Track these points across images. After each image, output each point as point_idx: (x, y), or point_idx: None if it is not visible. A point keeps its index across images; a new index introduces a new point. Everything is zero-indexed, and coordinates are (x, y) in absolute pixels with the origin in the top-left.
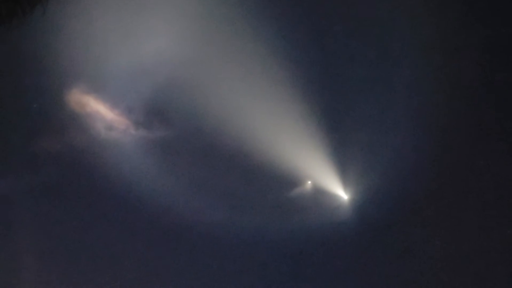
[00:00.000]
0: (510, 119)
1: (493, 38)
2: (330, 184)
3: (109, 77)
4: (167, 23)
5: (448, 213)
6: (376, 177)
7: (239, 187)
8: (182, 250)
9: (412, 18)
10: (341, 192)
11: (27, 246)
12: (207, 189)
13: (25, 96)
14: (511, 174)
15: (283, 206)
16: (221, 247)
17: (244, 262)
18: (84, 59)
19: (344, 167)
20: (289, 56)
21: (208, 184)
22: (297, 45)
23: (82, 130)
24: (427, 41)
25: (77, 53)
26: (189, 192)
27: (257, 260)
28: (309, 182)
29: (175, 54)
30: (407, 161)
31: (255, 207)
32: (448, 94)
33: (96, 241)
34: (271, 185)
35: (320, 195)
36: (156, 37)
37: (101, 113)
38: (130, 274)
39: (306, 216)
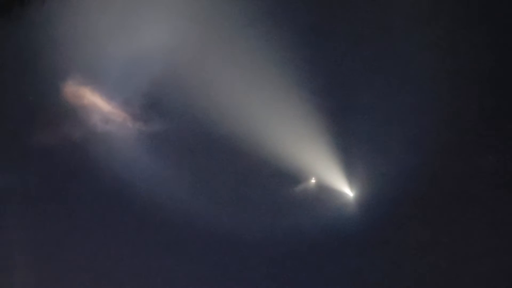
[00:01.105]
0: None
1: (495, 36)
2: (336, 181)
3: (105, 68)
4: (164, 14)
5: (452, 210)
6: (382, 175)
7: (241, 183)
8: (179, 247)
9: (418, 15)
10: (346, 190)
11: (20, 242)
12: (207, 185)
13: (20, 88)
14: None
15: (287, 203)
16: (221, 245)
17: (247, 259)
18: (81, 50)
19: (349, 164)
20: (292, 53)
21: (208, 180)
22: (301, 41)
23: (78, 123)
24: (432, 40)
25: (73, 44)
26: (188, 187)
27: (260, 257)
28: (314, 179)
29: (173, 45)
30: (414, 159)
31: (257, 203)
32: (453, 93)
33: (91, 237)
34: (274, 182)
35: (325, 192)
36: (153, 28)
37: (97, 105)
38: (127, 270)
39: (311, 213)
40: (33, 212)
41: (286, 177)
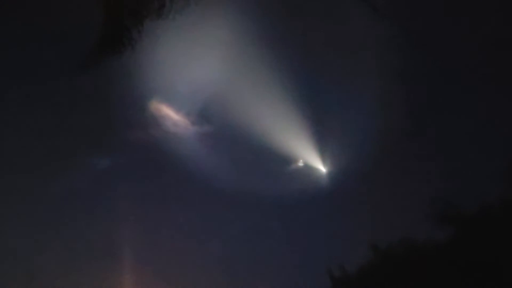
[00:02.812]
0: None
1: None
2: (314, 162)
3: (175, 92)
4: (212, 52)
5: (391, 180)
6: (346, 157)
7: (260, 164)
8: (227, 207)
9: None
10: (321, 167)
11: (122, 211)
12: (236, 163)
13: (124, 104)
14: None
15: (286, 176)
16: (252, 202)
17: (266, 210)
18: (161, 80)
19: (324, 150)
20: (291, 70)
21: (237, 160)
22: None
23: (158, 126)
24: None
25: (156, 75)
26: (228, 168)
27: (273, 208)
28: (301, 161)
29: (218, 77)
30: (366, 147)
31: (270, 177)
32: (407, 89)
33: (165, 201)
34: (279, 164)
35: (308, 169)
36: (206, 63)
37: (170, 115)
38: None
39: (300, 182)
40: (131, 188)
41: (285, 161)
